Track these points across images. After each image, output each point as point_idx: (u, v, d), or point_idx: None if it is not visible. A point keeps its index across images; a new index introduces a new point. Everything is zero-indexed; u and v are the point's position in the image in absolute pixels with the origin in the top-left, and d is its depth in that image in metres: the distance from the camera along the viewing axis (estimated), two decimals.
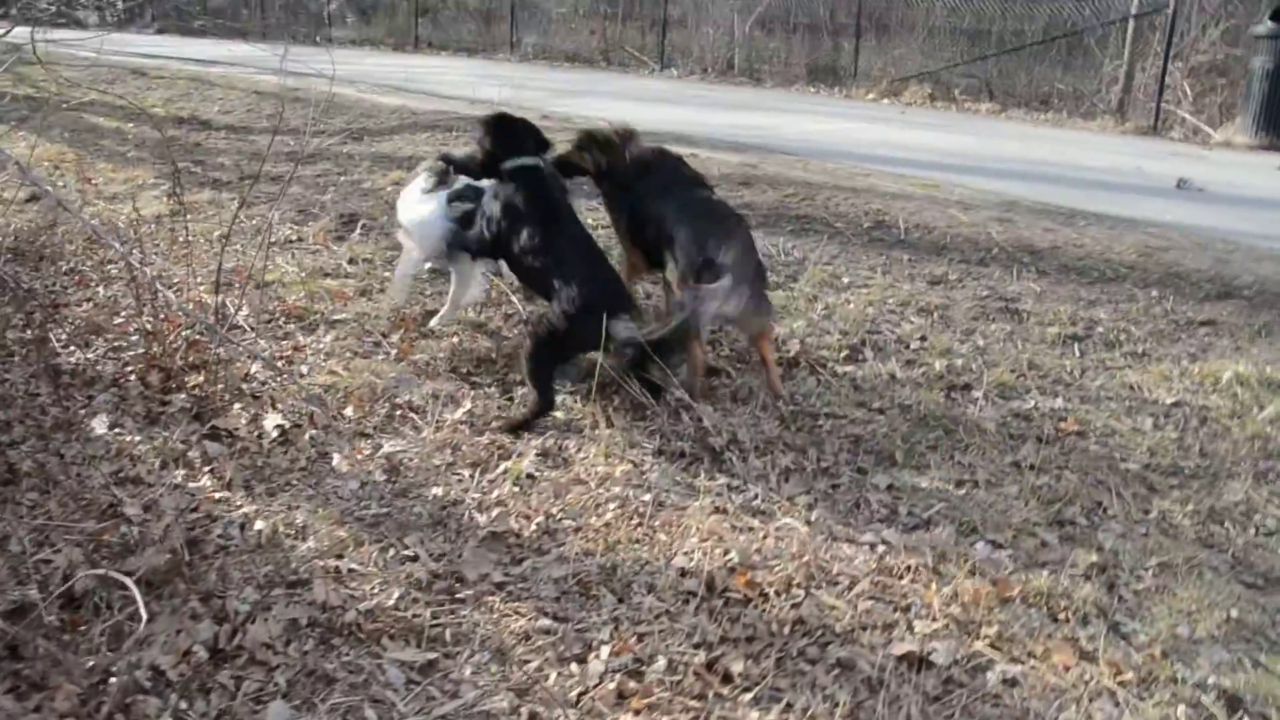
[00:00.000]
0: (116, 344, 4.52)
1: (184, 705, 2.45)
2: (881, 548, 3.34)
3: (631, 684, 2.62)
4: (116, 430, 3.80)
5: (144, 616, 2.51)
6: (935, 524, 3.50)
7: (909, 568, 3.22)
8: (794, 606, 2.98)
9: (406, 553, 3.15)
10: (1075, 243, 6.81)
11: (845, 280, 6.06)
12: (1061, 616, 3.04)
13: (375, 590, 2.96)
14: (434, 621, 2.84)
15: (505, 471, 3.69)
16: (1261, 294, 6.02)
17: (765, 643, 2.83)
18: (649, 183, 4.62)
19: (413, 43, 24.52)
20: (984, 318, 5.52)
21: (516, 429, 4.02)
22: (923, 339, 5.17)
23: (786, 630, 2.87)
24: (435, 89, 13.82)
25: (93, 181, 7.73)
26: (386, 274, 5.73)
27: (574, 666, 2.71)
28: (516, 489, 3.57)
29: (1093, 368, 4.94)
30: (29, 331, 4.33)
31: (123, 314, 4.83)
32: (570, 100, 12.87)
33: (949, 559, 3.27)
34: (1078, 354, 5.09)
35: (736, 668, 2.69)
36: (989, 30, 17.44)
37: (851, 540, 3.38)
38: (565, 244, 4.34)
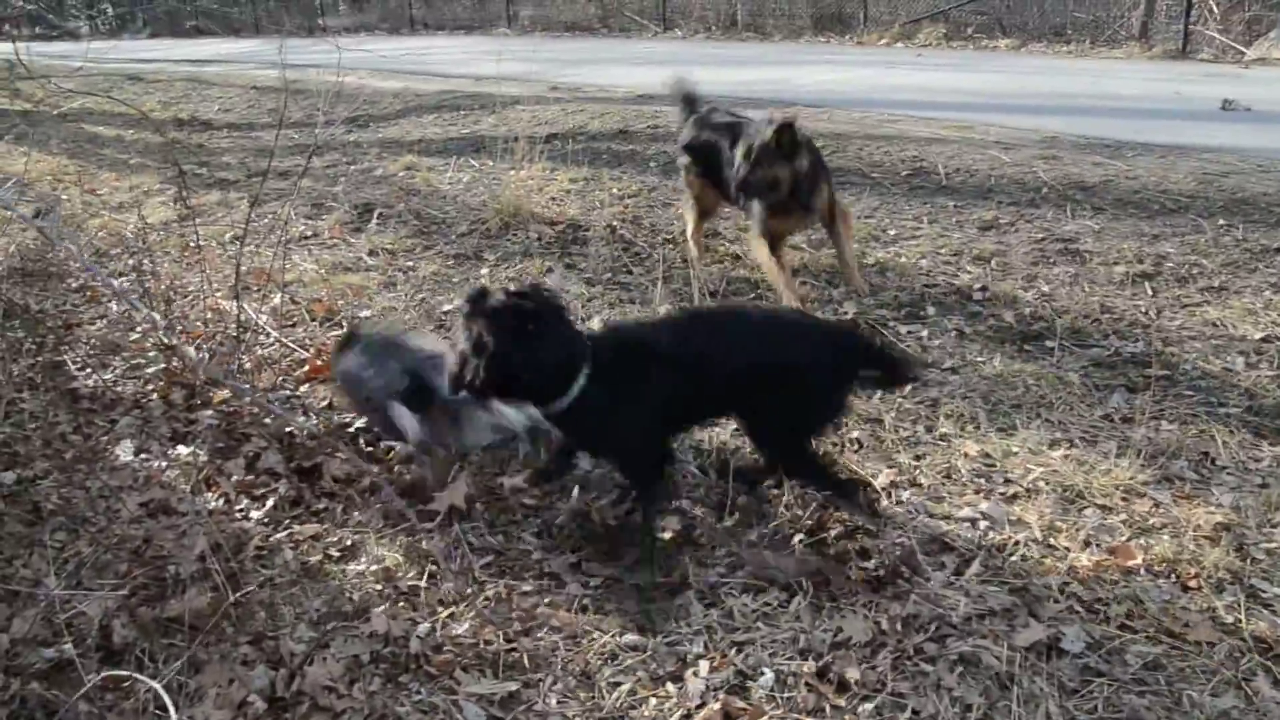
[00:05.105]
0: (135, 362, 4.25)
1: None
2: (984, 523, 3.05)
3: (738, 703, 2.35)
4: (143, 456, 3.55)
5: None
6: (1036, 492, 3.20)
7: (1018, 543, 2.93)
8: (900, 597, 2.70)
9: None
10: (1128, 175, 6.44)
11: (891, 233, 5.75)
12: (1193, 585, 2.75)
13: (439, 614, 2.69)
14: (508, 646, 2.57)
15: None
16: None
17: (877, 643, 2.55)
18: None
19: (408, 25, 24.19)
20: (1044, 261, 5.19)
21: None
22: (984, 289, 4.86)
23: (899, 627, 2.59)
24: (436, 69, 13.47)
25: (97, 192, 7.47)
26: (408, 264, 5.45)
27: (670, 687, 2.44)
28: None
29: (1169, 306, 4.60)
30: (42, 356, 4.07)
31: (138, 330, 4.56)
32: (576, 70, 12.50)
33: (1059, 530, 2.99)
34: (1150, 293, 4.75)
35: (852, 675, 2.41)
36: None
37: (949, 516, 3.09)
38: None
